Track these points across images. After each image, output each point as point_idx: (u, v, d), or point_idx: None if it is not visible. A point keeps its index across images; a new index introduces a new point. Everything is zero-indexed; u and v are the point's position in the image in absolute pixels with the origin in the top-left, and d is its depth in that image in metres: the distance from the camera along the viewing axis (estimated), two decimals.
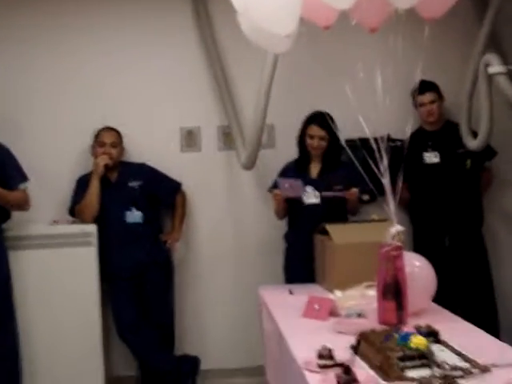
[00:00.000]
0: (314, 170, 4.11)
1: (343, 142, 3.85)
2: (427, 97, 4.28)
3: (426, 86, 4.11)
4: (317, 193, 3.97)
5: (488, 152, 4.32)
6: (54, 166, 4.38)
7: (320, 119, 3.98)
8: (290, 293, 3.47)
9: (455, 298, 4.13)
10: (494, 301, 4.43)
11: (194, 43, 4.46)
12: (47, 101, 4.41)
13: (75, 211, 4.22)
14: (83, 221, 4.15)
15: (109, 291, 4.26)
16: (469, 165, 4.32)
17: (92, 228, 4.10)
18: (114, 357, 4.43)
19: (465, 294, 4.32)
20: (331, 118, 3.87)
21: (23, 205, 3.97)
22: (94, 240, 4.10)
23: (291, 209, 4.08)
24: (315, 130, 4.01)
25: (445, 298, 3.16)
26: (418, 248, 3.95)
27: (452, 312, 2.97)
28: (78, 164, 4.36)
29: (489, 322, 4.10)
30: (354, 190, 3.87)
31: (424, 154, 4.35)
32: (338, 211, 3.99)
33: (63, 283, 4.07)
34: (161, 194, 4.36)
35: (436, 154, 4.34)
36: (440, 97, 4.35)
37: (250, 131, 4.11)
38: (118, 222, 4.19)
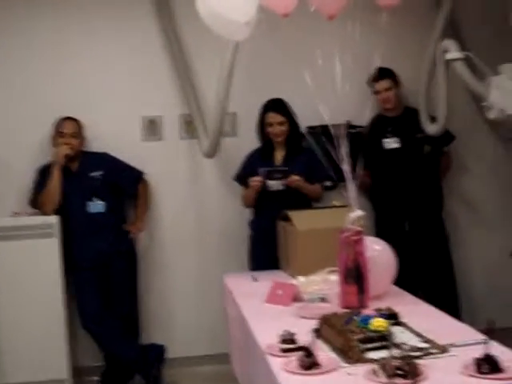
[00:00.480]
0: (279, 156, 4.13)
1: (303, 129, 3.90)
2: (382, 84, 4.31)
3: (381, 74, 4.16)
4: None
5: (446, 137, 4.39)
6: (13, 156, 4.32)
7: (276, 105, 4.01)
8: (254, 280, 3.49)
9: (416, 281, 4.21)
10: (454, 283, 4.51)
11: (154, 32, 4.43)
12: (5, 90, 4.33)
13: (36, 202, 4.17)
14: (44, 212, 4.11)
15: (73, 282, 4.23)
16: (427, 150, 4.38)
17: (54, 219, 4.06)
18: (79, 347, 4.40)
19: (426, 277, 4.39)
20: (285, 103, 3.89)
21: None
22: (56, 231, 4.06)
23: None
24: (273, 117, 4.04)
25: (406, 281, 3.22)
26: (380, 233, 4.00)
27: (413, 295, 3.02)
28: (38, 155, 4.30)
29: (449, 304, 4.18)
30: (294, 178, 3.91)
31: (384, 140, 4.39)
32: (301, 198, 4.02)
33: (26, 275, 4.03)
34: (123, 184, 4.34)
35: (396, 139, 4.39)
36: (396, 83, 4.38)
37: (211, 119, 4.11)
38: (81, 212, 4.16)
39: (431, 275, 4.41)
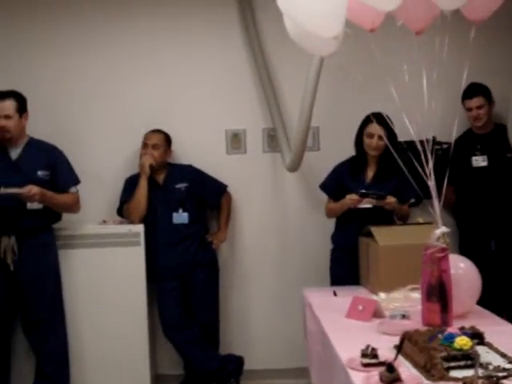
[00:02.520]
0: (370, 173, 4.01)
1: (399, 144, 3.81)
2: (474, 102, 4.21)
3: (473, 91, 4.09)
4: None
5: None
6: (103, 167, 4.49)
7: (379, 118, 3.89)
8: (335, 294, 3.48)
9: (501, 301, 4.08)
10: None
11: (240, 46, 4.52)
12: (99, 104, 4.51)
13: (123, 211, 4.31)
14: (131, 221, 4.24)
15: (155, 291, 4.33)
16: None
17: (139, 228, 4.19)
18: (160, 355, 4.50)
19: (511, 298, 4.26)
20: (389, 118, 3.82)
21: (73, 208, 4.08)
22: (142, 240, 4.18)
23: None
24: (374, 128, 3.82)
25: (491, 301, 3.14)
26: (464, 251, 3.91)
27: (498, 315, 2.95)
28: (127, 165, 4.44)
29: None
30: (391, 201, 3.80)
31: (472, 157, 4.30)
32: (386, 215, 3.94)
33: (111, 282, 4.16)
34: (207, 196, 4.42)
35: (484, 157, 4.29)
36: (489, 101, 4.27)
37: (295, 133, 4.13)
38: (165, 223, 4.26)
39: None
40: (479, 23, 2.73)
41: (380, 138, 3.85)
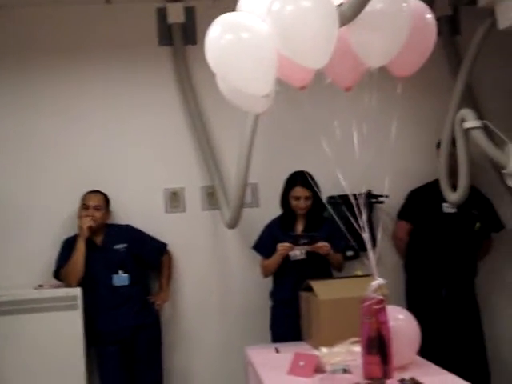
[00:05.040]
0: (299, 227, 4.13)
1: (324, 200, 3.92)
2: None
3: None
4: (303, 250, 3.98)
5: (497, 224, 4.48)
6: (39, 229, 4.38)
7: (303, 179, 4.01)
8: (277, 351, 3.45)
9: (447, 349, 4.11)
10: (485, 357, 4.42)
11: (176, 105, 4.55)
12: (34, 165, 4.44)
13: (61, 274, 4.21)
14: (68, 284, 4.14)
15: (96, 356, 4.22)
16: (478, 227, 4.40)
17: (76, 291, 4.09)
18: None
19: (457, 346, 4.30)
20: (311, 176, 3.94)
21: None
22: (79, 303, 4.08)
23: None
24: (301, 192, 4.03)
25: (436, 349, 3.15)
26: (413, 297, 3.93)
27: (442, 365, 2.95)
28: (64, 227, 4.35)
29: (479, 375, 4.09)
30: (322, 244, 3.89)
31: (444, 204, 4.37)
32: (322, 267, 4.01)
33: (49, 348, 4.03)
34: (147, 256, 4.36)
35: (453, 206, 4.36)
36: None
37: (233, 190, 4.16)
38: (105, 285, 4.18)
39: (463, 346, 4.32)
40: (405, 79, 2.83)
41: (306, 198, 4.01)
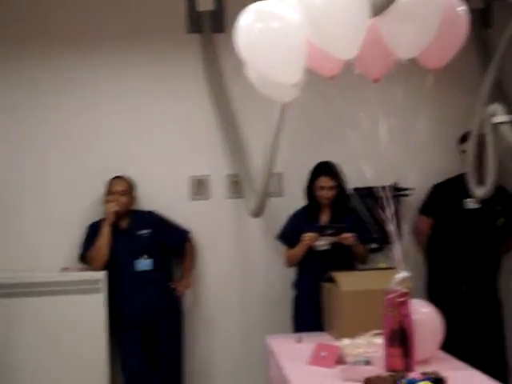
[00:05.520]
0: (324, 217, 4.13)
1: (350, 191, 3.91)
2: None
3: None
4: (328, 240, 3.98)
5: None
6: (66, 213, 4.43)
7: (328, 169, 4.02)
8: (298, 341, 3.45)
9: (466, 344, 4.09)
10: (503, 349, 4.40)
11: (204, 93, 4.55)
12: (60, 150, 4.48)
13: (86, 258, 4.25)
14: (93, 268, 4.19)
15: (117, 340, 4.26)
16: (501, 222, 4.38)
17: (101, 275, 4.13)
18: None
19: (476, 341, 4.27)
20: (336, 167, 3.92)
21: None
22: (103, 286, 4.12)
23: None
24: (326, 181, 4.04)
25: (455, 344, 3.13)
26: (433, 292, 3.92)
27: (461, 359, 2.94)
28: (89, 212, 4.39)
29: (498, 371, 4.05)
30: (347, 235, 3.90)
31: (465, 199, 4.34)
32: (346, 259, 4.00)
33: (72, 331, 4.08)
34: (170, 242, 4.39)
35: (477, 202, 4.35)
36: None
37: (258, 179, 4.16)
38: (128, 269, 4.22)
39: (482, 340, 4.29)
40: (436, 71, 2.80)
41: (331, 188, 4.00)
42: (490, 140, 3.92)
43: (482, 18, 4.59)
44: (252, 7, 2.59)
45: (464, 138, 4.26)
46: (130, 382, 4.20)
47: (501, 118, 3.81)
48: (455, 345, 3.15)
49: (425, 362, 2.77)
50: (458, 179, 4.31)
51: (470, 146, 4.18)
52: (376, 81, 2.78)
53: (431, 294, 4.35)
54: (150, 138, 4.54)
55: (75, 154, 4.48)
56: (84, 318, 4.09)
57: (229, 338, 4.55)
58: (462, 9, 2.72)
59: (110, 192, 4.28)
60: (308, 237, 3.95)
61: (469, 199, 4.33)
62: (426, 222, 4.51)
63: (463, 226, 4.39)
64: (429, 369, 2.50)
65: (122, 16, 4.50)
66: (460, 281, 4.35)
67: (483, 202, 4.23)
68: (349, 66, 2.67)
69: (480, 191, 4.09)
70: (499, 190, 4.19)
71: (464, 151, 4.34)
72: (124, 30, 4.50)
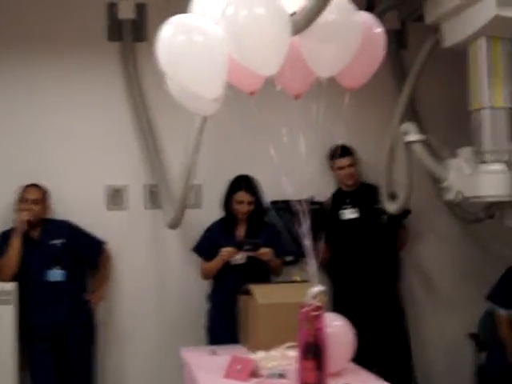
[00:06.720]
0: (240, 231, 4.15)
1: (268, 204, 3.95)
2: (345, 161, 4.45)
3: (344, 151, 4.31)
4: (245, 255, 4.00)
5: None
6: None
7: (247, 184, 4.05)
8: (213, 353, 3.45)
9: (372, 357, 4.18)
10: (409, 360, 4.51)
11: (122, 101, 4.49)
12: None
13: None
14: (2, 279, 4.04)
15: (28, 353, 4.12)
16: (384, 220, 4.43)
17: (11, 286, 4.00)
18: None
19: (382, 353, 4.37)
20: (255, 181, 3.96)
21: None
22: (13, 298, 3.99)
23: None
24: (244, 196, 4.06)
25: (362, 356, 3.20)
26: (337, 306, 3.99)
27: (369, 370, 3.02)
28: (1, 221, 4.25)
29: (404, 380, 4.18)
30: (265, 250, 3.94)
31: (342, 211, 4.46)
32: (262, 272, 4.04)
33: None
34: (83, 253, 4.29)
35: (354, 210, 4.47)
36: (356, 161, 4.54)
37: (176, 190, 4.14)
38: (40, 280, 4.10)
39: (387, 351, 4.39)
40: (353, 90, 2.88)
41: (249, 203, 4.05)
42: (404, 158, 4.07)
43: (397, 38, 4.75)
44: (174, 19, 2.58)
45: (341, 154, 4.32)
46: None
47: (413, 136, 3.97)
48: (363, 356, 3.22)
49: (337, 374, 2.82)
50: (335, 195, 4.46)
51: (384, 163, 4.33)
52: (297, 97, 2.83)
53: (336, 308, 4.42)
54: (66, 145, 4.44)
55: None
56: None
57: (143, 351, 4.49)
58: (380, 30, 2.80)
59: (22, 200, 4.15)
60: (226, 252, 3.96)
61: (345, 210, 4.45)
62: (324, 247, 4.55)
63: (345, 237, 4.46)
64: (340, 381, 2.54)
65: (43, 22, 4.41)
66: (359, 294, 4.41)
67: (359, 206, 4.40)
68: (270, 81, 2.70)
69: (392, 206, 4.23)
70: (370, 188, 4.40)
71: (342, 167, 4.47)
72: (44, 35, 4.40)
